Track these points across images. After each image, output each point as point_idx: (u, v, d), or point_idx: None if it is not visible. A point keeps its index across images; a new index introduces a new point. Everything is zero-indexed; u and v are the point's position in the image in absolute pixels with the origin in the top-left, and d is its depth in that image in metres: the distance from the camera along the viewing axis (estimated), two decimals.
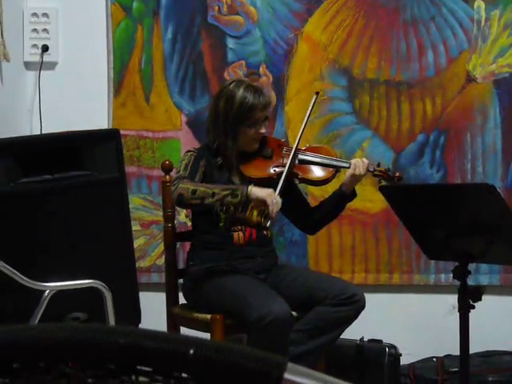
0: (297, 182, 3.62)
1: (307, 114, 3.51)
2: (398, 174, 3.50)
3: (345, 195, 3.54)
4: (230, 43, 4.27)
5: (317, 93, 3.56)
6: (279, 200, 3.26)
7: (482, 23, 4.12)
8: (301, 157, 3.53)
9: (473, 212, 2.82)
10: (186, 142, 4.28)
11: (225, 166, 3.50)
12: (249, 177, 3.48)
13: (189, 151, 3.51)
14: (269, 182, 3.44)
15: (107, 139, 3.58)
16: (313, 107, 3.52)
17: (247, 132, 3.45)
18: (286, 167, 3.43)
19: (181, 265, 3.83)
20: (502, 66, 4.12)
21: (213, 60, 4.29)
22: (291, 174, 3.49)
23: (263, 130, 3.49)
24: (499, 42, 4.12)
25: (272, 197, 3.25)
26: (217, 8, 4.27)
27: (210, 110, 3.57)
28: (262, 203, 3.26)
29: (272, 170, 3.50)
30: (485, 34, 4.12)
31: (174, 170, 3.61)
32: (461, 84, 4.15)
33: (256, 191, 3.26)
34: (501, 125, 4.13)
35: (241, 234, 3.48)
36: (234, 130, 3.44)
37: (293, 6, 4.23)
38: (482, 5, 4.11)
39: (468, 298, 2.91)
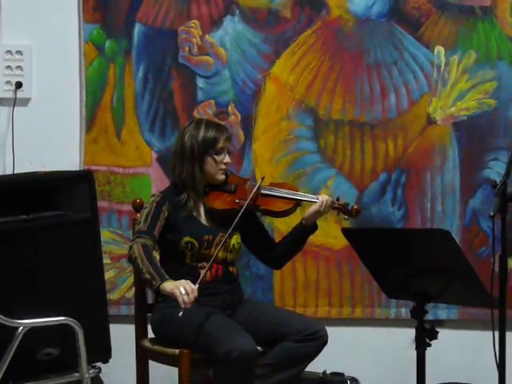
0: (259, 214, 3.76)
1: (250, 197, 3.60)
2: (355, 207, 3.70)
3: (306, 228, 3.69)
4: (200, 83, 4.41)
5: (262, 178, 3.71)
6: (192, 287, 3.34)
7: (442, 68, 4.29)
8: (263, 191, 3.68)
9: (429, 255, 2.97)
10: (156, 178, 4.41)
11: (191, 200, 3.63)
12: (213, 208, 3.63)
13: (153, 196, 3.68)
14: (232, 214, 3.59)
15: (81, 180, 3.69)
16: (258, 188, 3.64)
17: (213, 161, 3.63)
18: (248, 198, 3.58)
19: (150, 299, 3.93)
20: (461, 109, 4.29)
21: (183, 99, 4.42)
22: (253, 206, 3.63)
23: (228, 160, 3.66)
24: (458, 86, 4.29)
25: (181, 287, 3.33)
26: (187, 48, 4.41)
27: (175, 147, 3.74)
28: (172, 296, 3.36)
29: (235, 202, 3.65)
30: (444, 79, 4.29)
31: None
32: (421, 126, 4.31)
33: (165, 286, 3.36)
34: (459, 165, 4.29)
35: (203, 272, 3.60)
36: (200, 160, 3.63)
37: (261, 47, 4.38)
38: (442, 50, 4.28)
39: (425, 336, 3.05)
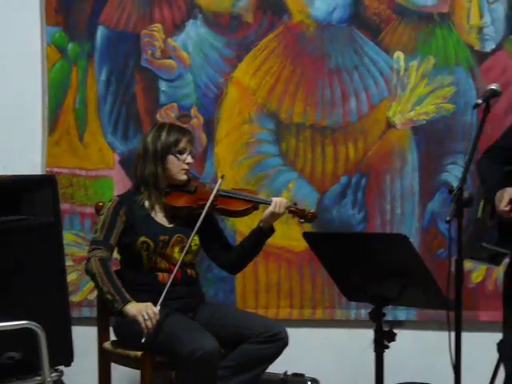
0: (216, 214, 3.79)
1: (213, 194, 3.66)
2: (311, 212, 3.74)
3: (263, 231, 3.73)
4: (163, 86, 4.44)
5: (222, 176, 3.75)
6: (154, 311, 3.41)
7: (402, 73, 4.36)
8: (222, 192, 3.72)
9: (388, 259, 3.02)
10: (119, 181, 4.43)
11: (150, 200, 3.66)
12: (173, 206, 3.66)
13: (110, 200, 3.70)
14: (191, 212, 3.65)
15: (44, 184, 3.70)
16: (218, 189, 3.68)
17: (175, 160, 3.67)
18: (212, 195, 3.63)
19: None
20: (420, 113, 4.36)
21: (145, 102, 4.45)
22: (211, 205, 3.66)
23: (190, 160, 3.70)
24: (417, 91, 4.36)
25: (143, 312, 3.39)
26: (150, 52, 4.43)
27: (138, 148, 3.78)
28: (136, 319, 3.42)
29: (195, 201, 3.68)
30: (404, 83, 4.36)
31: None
32: (381, 130, 4.38)
33: (129, 309, 3.43)
34: (418, 168, 4.36)
35: (165, 274, 3.63)
36: (163, 159, 3.67)
37: (223, 51, 4.42)
38: (402, 56, 4.35)
39: (383, 338, 3.11)
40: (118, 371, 3.84)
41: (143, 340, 3.39)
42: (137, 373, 3.57)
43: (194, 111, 4.44)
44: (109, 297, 3.47)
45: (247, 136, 4.42)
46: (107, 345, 3.74)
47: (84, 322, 4.33)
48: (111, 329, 3.76)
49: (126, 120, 4.45)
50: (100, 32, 4.44)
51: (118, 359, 3.69)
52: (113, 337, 3.76)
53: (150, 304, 3.43)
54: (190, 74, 4.43)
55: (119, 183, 4.43)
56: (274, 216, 3.70)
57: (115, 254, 4.25)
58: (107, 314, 3.79)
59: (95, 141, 4.46)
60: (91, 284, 4.35)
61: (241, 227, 4.34)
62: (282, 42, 4.39)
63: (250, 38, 4.40)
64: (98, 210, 3.79)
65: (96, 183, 4.46)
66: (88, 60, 4.45)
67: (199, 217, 3.59)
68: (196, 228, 3.57)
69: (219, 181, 3.70)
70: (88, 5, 4.44)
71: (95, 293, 4.05)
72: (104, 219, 3.62)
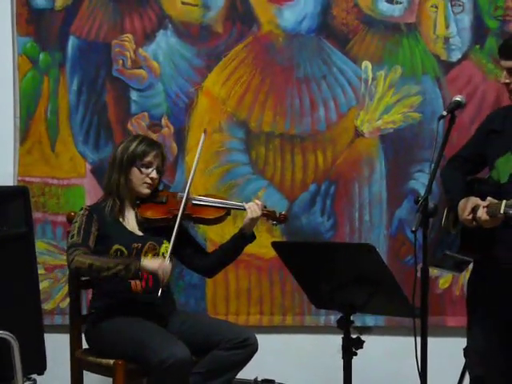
0: (191, 222, 3.84)
1: (198, 152, 3.76)
2: (283, 214, 3.81)
3: (246, 237, 3.80)
4: (134, 95, 4.48)
5: (205, 130, 3.80)
6: (169, 267, 3.54)
7: (369, 82, 4.43)
8: (194, 201, 3.77)
9: (355, 268, 3.09)
10: (90, 189, 4.47)
11: (116, 207, 3.70)
12: (146, 218, 3.71)
13: (81, 209, 3.73)
14: (164, 223, 3.70)
15: (16, 195, 3.73)
16: (188, 195, 3.74)
17: (138, 173, 3.72)
18: (181, 206, 3.68)
19: (84, 310, 3.99)
20: (387, 122, 4.43)
21: (117, 111, 4.49)
22: (185, 215, 3.71)
23: (154, 176, 3.73)
24: (384, 100, 4.43)
25: (162, 267, 3.53)
26: (121, 62, 4.47)
27: (110, 157, 3.84)
28: (153, 274, 3.54)
29: (167, 212, 3.73)
30: (371, 93, 4.43)
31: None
32: (349, 138, 4.45)
33: (147, 264, 3.53)
34: (386, 176, 4.44)
35: (138, 282, 3.68)
36: (126, 169, 3.72)
37: (193, 61, 4.47)
38: (369, 65, 4.42)
39: (351, 345, 3.17)
40: (90, 379, 3.87)
41: (159, 294, 3.50)
42: (109, 380, 3.60)
43: (164, 120, 4.48)
44: (119, 267, 3.52)
45: (217, 145, 4.48)
46: (79, 353, 3.77)
47: (56, 329, 4.35)
48: (83, 337, 3.79)
49: (97, 129, 4.49)
50: (71, 42, 4.48)
51: (90, 367, 3.72)
52: (85, 345, 3.79)
53: (162, 259, 3.55)
54: (160, 84, 4.47)
55: (91, 192, 4.47)
56: (254, 221, 3.76)
57: None
58: (79, 322, 3.82)
59: (67, 150, 4.49)
60: (63, 292, 4.42)
61: (211, 235, 4.39)
62: (252, 52, 4.45)
63: (219, 48, 4.46)
64: (70, 219, 3.82)
65: (68, 192, 4.50)
66: (59, 70, 4.48)
67: (174, 221, 3.65)
68: (173, 239, 3.62)
69: (203, 135, 3.75)
70: (59, 15, 4.47)
71: (67, 300, 4.07)
72: (79, 225, 3.65)
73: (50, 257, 4.48)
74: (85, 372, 3.80)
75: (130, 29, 4.47)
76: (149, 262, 3.55)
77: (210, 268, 3.89)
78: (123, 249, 3.66)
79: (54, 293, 4.49)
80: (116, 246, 3.66)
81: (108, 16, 4.46)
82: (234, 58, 4.46)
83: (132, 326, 3.58)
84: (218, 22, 4.45)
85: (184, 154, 4.47)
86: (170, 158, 4.42)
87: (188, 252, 3.85)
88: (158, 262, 3.55)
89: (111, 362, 3.56)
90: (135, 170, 3.72)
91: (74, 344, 3.80)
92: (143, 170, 3.72)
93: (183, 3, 4.46)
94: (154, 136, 4.33)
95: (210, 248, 4.27)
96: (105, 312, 3.67)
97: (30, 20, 4.47)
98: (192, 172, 3.76)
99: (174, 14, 4.46)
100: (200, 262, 3.87)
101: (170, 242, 3.68)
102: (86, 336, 3.74)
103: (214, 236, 4.37)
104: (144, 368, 3.50)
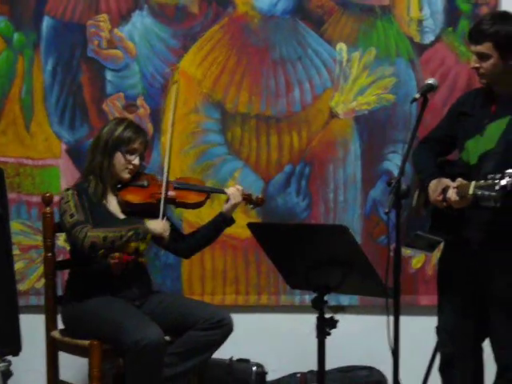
0: (173, 207, 3.87)
1: (173, 104, 3.83)
2: (260, 197, 3.92)
3: (227, 220, 3.87)
4: (109, 76, 4.48)
5: (175, 82, 3.84)
6: (168, 227, 3.69)
7: (344, 64, 4.45)
8: (176, 185, 3.80)
9: (329, 249, 3.12)
10: (65, 170, 4.47)
11: (98, 189, 3.71)
12: (129, 202, 3.72)
13: (67, 189, 3.73)
14: (148, 207, 3.73)
15: None
16: (167, 179, 3.78)
17: (122, 158, 3.73)
18: (163, 190, 3.72)
19: (60, 291, 4.00)
20: (362, 103, 4.46)
21: (92, 92, 4.48)
22: (170, 200, 3.74)
23: (136, 162, 3.75)
24: (359, 81, 4.46)
25: (166, 228, 3.69)
26: (96, 42, 4.47)
27: (94, 137, 3.82)
28: (158, 236, 3.67)
29: (150, 196, 3.75)
30: (346, 74, 4.46)
31: (57, 208, 3.74)
32: (324, 119, 4.47)
33: (153, 227, 3.66)
34: (360, 157, 4.47)
35: (118, 262, 3.69)
36: (111, 153, 3.72)
37: (169, 42, 4.47)
38: (344, 47, 4.45)
39: (325, 325, 3.21)
40: (66, 359, 3.89)
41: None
42: (85, 361, 3.63)
43: (140, 101, 4.49)
44: (130, 233, 3.62)
45: (193, 125, 4.49)
46: (55, 333, 3.79)
47: (31, 310, 4.36)
48: (59, 317, 3.81)
49: (73, 110, 4.48)
50: (46, 22, 4.46)
51: (66, 348, 3.74)
52: (60, 325, 3.81)
53: (162, 220, 3.69)
54: (136, 64, 4.47)
55: (66, 172, 4.47)
56: (235, 206, 3.86)
57: (63, 243, 4.32)
58: (55, 303, 3.84)
59: (42, 130, 4.49)
60: (38, 272, 4.43)
61: (187, 215, 4.41)
62: (227, 33, 4.46)
63: (195, 28, 4.46)
64: (46, 200, 3.82)
65: (43, 172, 4.49)
66: (34, 50, 4.47)
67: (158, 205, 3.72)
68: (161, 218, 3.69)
69: (176, 89, 3.82)
70: None
71: (42, 281, 4.07)
72: (74, 203, 3.65)
73: (25, 237, 4.49)
74: (60, 353, 3.82)
75: (105, 9, 4.46)
76: (153, 224, 3.66)
77: (187, 250, 3.94)
78: None
79: (29, 273, 4.50)
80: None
81: None
82: (210, 38, 4.47)
83: (107, 306, 3.60)
84: (194, 2, 4.45)
85: (160, 134, 4.48)
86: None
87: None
88: (161, 224, 3.67)
89: (87, 342, 3.58)
90: (119, 155, 3.73)
91: (50, 325, 3.82)
92: (127, 156, 3.73)
93: None
94: (130, 116, 4.33)
95: (185, 228, 4.30)
96: (81, 292, 3.68)
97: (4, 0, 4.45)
98: (168, 138, 3.81)
99: None
100: (177, 244, 3.90)
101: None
102: (62, 316, 3.76)
103: (190, 216, 4.39)
104: (119, 349, 3.52)
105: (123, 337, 3.47)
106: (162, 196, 3.69)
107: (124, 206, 3.74)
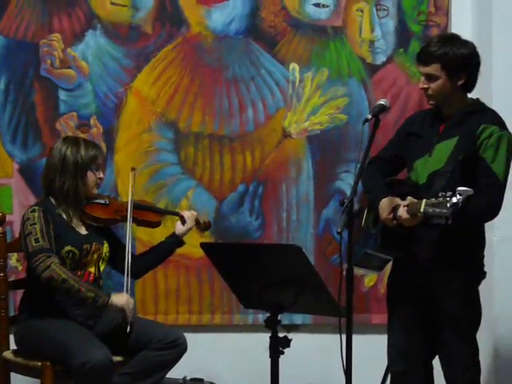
0: (135, 224, 3.87)
1: (130, 192, 3.78)
2: (206, 221, 3.96)
3: (179, 242, 3.91)
4: (62, 95, 4.47)
5: (133, 168, 3.84)
6: (132, 303, 3.65)
7: (297, 84, 4.50)
8: (136, 204, 3.81)
9: (282, 269, 3.13)
10: (18, 189, 4.45)
11: (69, 211, 3.70)
12: (97, 217, 3.72)
13: (33, 210, 3.66)
14: (112, 224, 3.80)
15: None
16: (134, 183, 3.81)
17: (93, 176, 3.74)
18: (129, 210, 3.74)
19: (12, 311, 3.97)
20: (315, 123, 4.51)
21: (45, 111, 4.47)
22: (132, 218, 3.76)
23: (102, 175, 3.82)
24: (312, 101, 4.50)
25: (129, 303, 3.63)
26: (49, 61, 4.46)
27: (52, 161, 3.72)
28: (120, 310, 3.61)
29: (114, 213, 3.76)
30: (299, 94, 4.50)
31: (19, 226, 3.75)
32: (277, 139, 4.51)
33: (115, 301, 3.60)
34: (313, 177, 4.51)
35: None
36: (83, 174, 3.71)
37: (123, 61, 4.48)
38: (297, 67, 4.49)
39: (278, 345, 3.22)
40: (18, 381, 3.85)
41: (128, 329, 3.59)
42: (37, 382, 3.60)
43: (93, 120, 4.48)
44: (90, 294, 3.55)
45: (146, 145, 4.50)
46: (8, 354, 3.75)
47: None
48: (12, 338, 3.77)
49: (25, 129, 4.47)
50: None
51: (18, 368, 3.70)
52: (13, 346, 3.77)
53: (127, 294, 3.62)
54: (89, 84, 4.47)
55: (18, 192, 4.44)
56: (189, 230, 3.91)
57: (15, 263, 4.28)
58: (7, 323, 3.81)
59: None
60: None
61: (140, 235, 4.41)
62: (181, 53, 4.48)
63: (149, 48, 4.48)
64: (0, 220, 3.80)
65: None
66: None
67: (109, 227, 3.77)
68: (128, 237, 3.71)
69: (133, 176, 3.79)
70: None
71: None
72: (40, 228, 3.61)
73: None
74: (12, 374, 3.78)
75: (58, 28, 4.46)
76: (117, 299, 3.60)
77: (139, 270, 3.91)
78: (75, 250, 3.66)
79: None
80: (68, 248, 3.66)
81: (36, 15, 4.44)
82: (164, 58, 4.48)
83: (57, 327, 3.58)
84: (148, 22, 4.47)
85: (113, 153, 4.48)
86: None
87: (119, 254, 3.87)
88: (124, 299, 3.61)
89: (39, 363, 3.55)
90: (90, 174, 3.73)
91: (1, 345, 3.78)
92: (95, 172, 3.74)
93: (112, 3, 4.47)
94: (83, 136, 4.31)
95: (138, 247, 4.30)
96: (35, 312, 3.65)
97: None
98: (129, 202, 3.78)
99: (103, 14, 4.46)
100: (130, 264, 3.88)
101: (107, 243, 3.76)
102: (15, 336, 3.72)
103: (143, 235, 4.39)
104: (67, 371, 3.50)
105: (70, 359, 3.46)
106: (126, 268, 3.69)
107: (91, 220, 3.74)
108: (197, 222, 3.91)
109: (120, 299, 3.61)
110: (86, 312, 3.70)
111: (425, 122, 3.55)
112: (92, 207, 3.76)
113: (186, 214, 3.90)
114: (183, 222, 3.88)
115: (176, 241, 3.90)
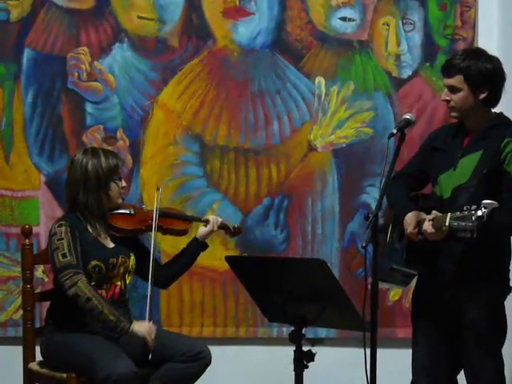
0: (160, 233, 3.87)
1: (155, 209, 3.76)
2: (237, 226, 3.95)
3: (201, 245, 3.89)
4: (89, 108, 4.51)
5: (158, 188, 3.83)
6: (154, 330, 3.62)
7: (323, 97, 4.50)
8: (162, 212, 3.81)
9: (306, 283, 3.14)
10: (45, 202, 4.48)
11: (96, 226, 3.71)
12: (122, 228, 3.73)
13: (61, 225, 3.66)
14: (137, 234, 3.80)
15: None
16: (158, 202, 3.78)
17: (116, 186, 3.73)
18: (154, 219, 3.73)
19: (38, 322, 3.99)
20: (340, 137, 4.51)
21: (72, 124, 4.50)
22: (158, 227, 3.77)
23: (125, 184, 3.81)
24: (337, 115, 4.51)
25: (151, 332, 3.60)
26: (76, 74, 4.49)
27: (74, 176, 3.70)
28: (142, 338, 3.59)
29: (139, 223, 3.77)
30: (325, 108, 4.51)
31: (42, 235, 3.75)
32: (303, 152, 4.51)
33: (137, 329, 3.58)
34: (338, 190, 4.51)
35: (103, 292, 3.68)
36: (106, 186, 3.70)
37: (149, 75, 4.51)
38: (323, 81, 4.50)
39: (302, 358, 3.22)
40: None
41: (150, 357, 3.58)
42: None
43: (119, 133, 4.51)
44: (112, 318, 3.55)
45: (172, 158, 4.51)
46: (33, 365, 3.77)
47: (9, 341, 4.35)
48: (38, 349, 3.79)
49: (52, 141, 4.50)
50: (26, 54, 4.48)
51: (43, 380, 3.71)
52: (39, 357, 3.79)
53: (150, 323, 3.61)
54: (116, 97, 4.50)
55: (45, 204, 4.47)
56: (211, 233, 3.88)
57: (41, 274, 4.31)
58: (33, 334, 3.82)
59: (21, 162, 4.50)
60: (16, 303, 4.41)
61: (165, 246, 4.42)
62: (207, 67, 4.50)
63: (175, 61, 4.50)
64: (25, 232, 3.82)
65: (22, 204, 4.50)
66: (14, 82, 4.49)
67: (136, 237, 3.77)
68: (152, 249, 3.70)
69: (158, 195, 3.78)
70: (14, 27, 4.48)
71: (20, 312, 4.06)
72: (68, 243, 3.61)
73: (4, 268, 4.48)
74: None
75: (85, 42, 4.49)
76: (138, 328, 3.58)
77: (165, 279, 3.93)
78: (101, 264, 3.67)
79: (7, 305, 4.49)
80: (94, 262, 3.66)
81: (63, 29, 4.48)
82: (190, 71, 4.51)
83: (83, 339, 3.58)
84: (174, 36, 4.50)
85: (139, 166, 4.50)
86: (125, 171, 4.44)
87: (145, 265, 3.88)
88: (146, 328, 3.59)
89: (64, 375, 3.56)
90: (113, 185, 3.72)
91: (28, 356, 3.80)
92: (118, 182, 3.74)
93: (139, 17, 4.50)
94: (110, 148, 4.33)
95: (163, 259, 4.31)
96: (61, 325, 3.67)
97: None
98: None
99: (129, 28, 4.50)
100: (157, 275, 3.89)
101: (133, 255, 3.75)
102: (41, 348, 3.73)
103: (167, 247, 4.40)
104: (92, 382, 3.51)
105: (95, 371, 3.46)
106: (149, 296, 3.68)
107: (114, 231, 3.74)
108: (224, 227, 3.89)
109: (142, 328, 3.59)
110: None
111: (448, 137, 3.54)
112: (116, 217, 3.76)
113: (211, 217, 3.88)
114: (206, 225, 3.88)
115: (198, 244, 3.87)
